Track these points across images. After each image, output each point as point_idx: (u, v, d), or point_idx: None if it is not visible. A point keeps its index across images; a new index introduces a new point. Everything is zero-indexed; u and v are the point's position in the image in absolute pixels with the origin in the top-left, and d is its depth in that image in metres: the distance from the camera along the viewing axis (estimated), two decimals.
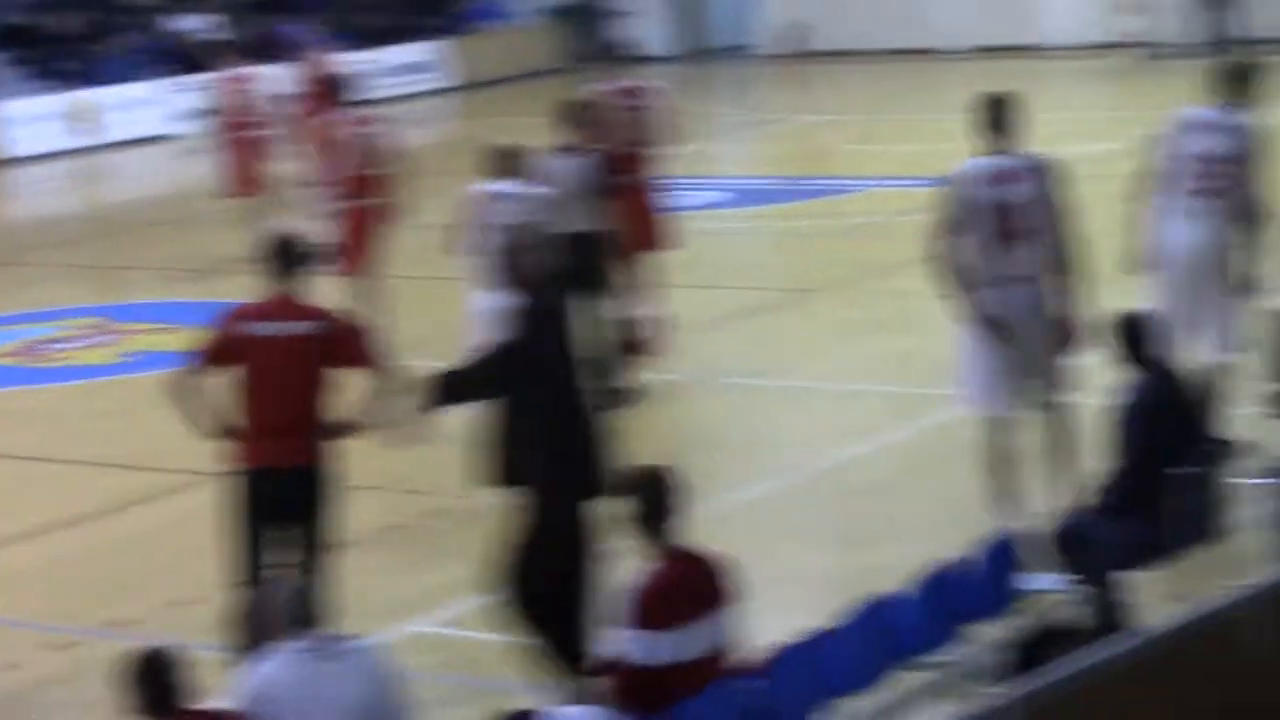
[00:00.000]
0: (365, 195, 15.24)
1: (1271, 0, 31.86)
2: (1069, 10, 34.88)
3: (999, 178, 10.16)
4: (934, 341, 12.85)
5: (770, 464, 12.34)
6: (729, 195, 22.57)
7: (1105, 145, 22.40)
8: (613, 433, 8.90)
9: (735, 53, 38.49)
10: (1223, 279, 10.95)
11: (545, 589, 8.57)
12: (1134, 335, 9.02)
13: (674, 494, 7.12)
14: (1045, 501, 10.03)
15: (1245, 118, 11.00)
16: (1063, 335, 10.30)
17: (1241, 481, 9.56)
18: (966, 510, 10.74)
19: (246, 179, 20.31)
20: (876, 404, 13.44)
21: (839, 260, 18.33)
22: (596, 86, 15.18)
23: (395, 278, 15.44)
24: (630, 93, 15.02)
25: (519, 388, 8.69)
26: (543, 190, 12.86)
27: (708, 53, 38.98)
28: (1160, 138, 11.09)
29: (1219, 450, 9.47)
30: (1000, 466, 10.39)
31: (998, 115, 10.26)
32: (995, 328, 10.17)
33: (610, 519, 8.22)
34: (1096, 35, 34.08)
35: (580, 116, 13.65)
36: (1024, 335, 10.22)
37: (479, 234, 12.58)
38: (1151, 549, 8.75)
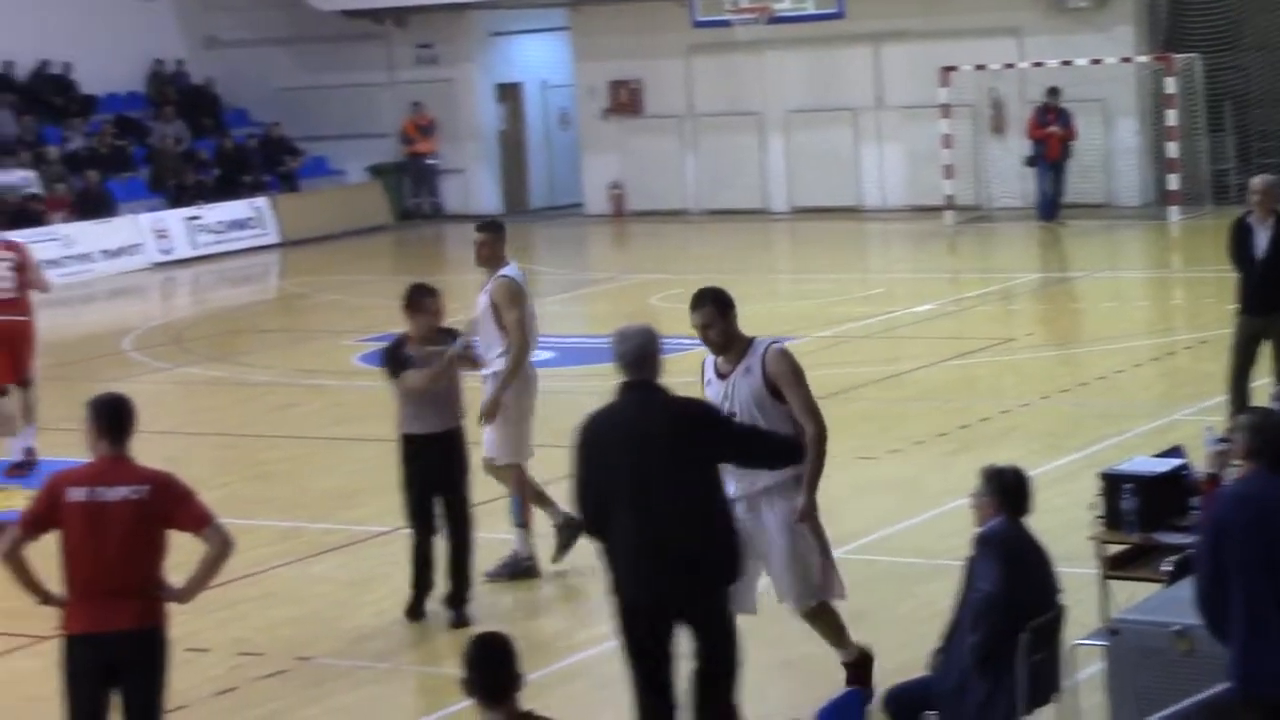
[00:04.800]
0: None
1: (1092, 168, 32.84)
2: (890, 172, 35.53)
3: None
4: None
5: None
6: (555, 354, 22.60)
7: (928, 305, 22.78)
8: None
9: (560, 212, 38.82)
10: None
11: None
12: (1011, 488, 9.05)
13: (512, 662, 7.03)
14: None
15: None
16: None
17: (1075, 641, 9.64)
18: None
19: None
20: None
21: None
22: None
23: None
24: None
25: None
26: None
27: (533, 212, 39.25)
28: None
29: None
30: None
31: None
32: None
33: None
34: (916, 198, 34.74)
35: None
36: None
37: None
38: (1001, 709, 8.79)
